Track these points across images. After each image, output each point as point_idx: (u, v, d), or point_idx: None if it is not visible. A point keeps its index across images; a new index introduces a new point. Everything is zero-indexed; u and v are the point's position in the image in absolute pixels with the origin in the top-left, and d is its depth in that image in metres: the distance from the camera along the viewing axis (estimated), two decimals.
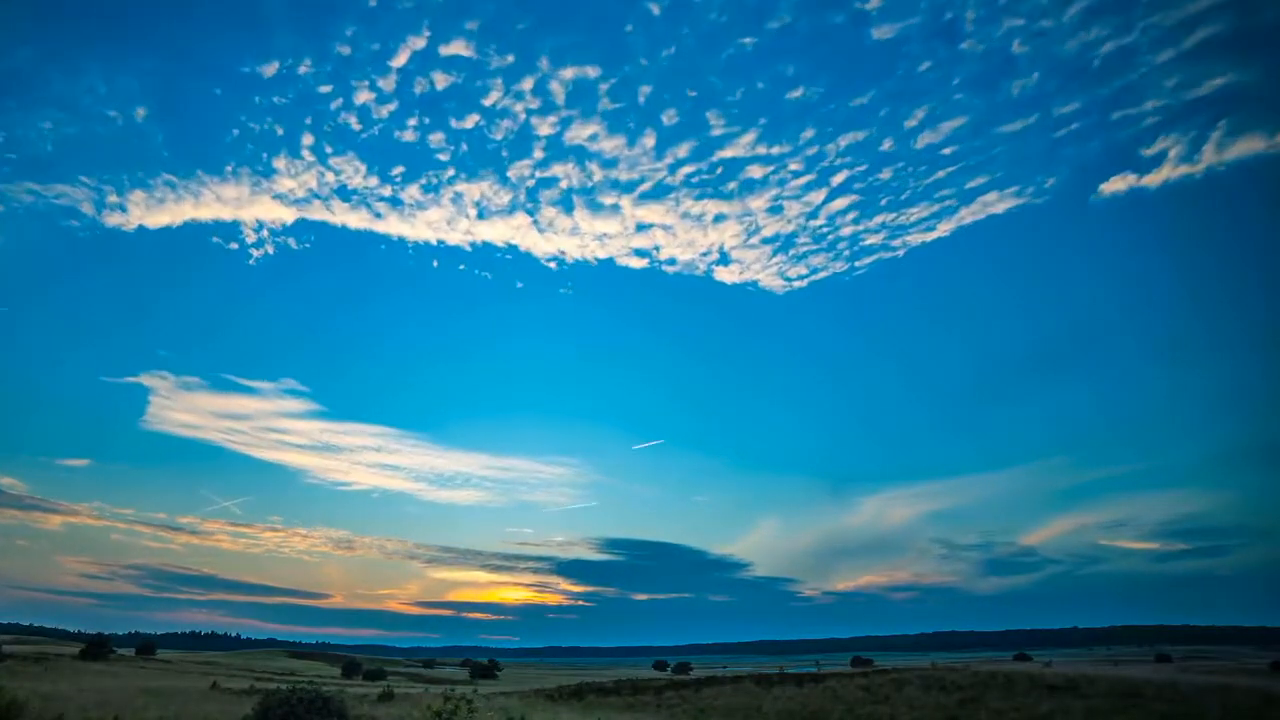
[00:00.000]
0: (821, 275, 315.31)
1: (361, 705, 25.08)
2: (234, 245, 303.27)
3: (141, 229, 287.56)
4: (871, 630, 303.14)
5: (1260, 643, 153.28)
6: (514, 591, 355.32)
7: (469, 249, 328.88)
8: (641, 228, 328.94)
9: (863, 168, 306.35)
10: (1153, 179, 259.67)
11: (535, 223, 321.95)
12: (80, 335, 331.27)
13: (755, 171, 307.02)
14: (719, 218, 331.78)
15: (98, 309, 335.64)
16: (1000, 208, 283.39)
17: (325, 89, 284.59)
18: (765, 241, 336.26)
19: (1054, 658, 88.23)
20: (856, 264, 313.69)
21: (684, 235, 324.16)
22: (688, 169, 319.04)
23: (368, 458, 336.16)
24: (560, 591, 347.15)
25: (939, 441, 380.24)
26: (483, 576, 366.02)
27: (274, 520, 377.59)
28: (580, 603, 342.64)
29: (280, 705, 16.96)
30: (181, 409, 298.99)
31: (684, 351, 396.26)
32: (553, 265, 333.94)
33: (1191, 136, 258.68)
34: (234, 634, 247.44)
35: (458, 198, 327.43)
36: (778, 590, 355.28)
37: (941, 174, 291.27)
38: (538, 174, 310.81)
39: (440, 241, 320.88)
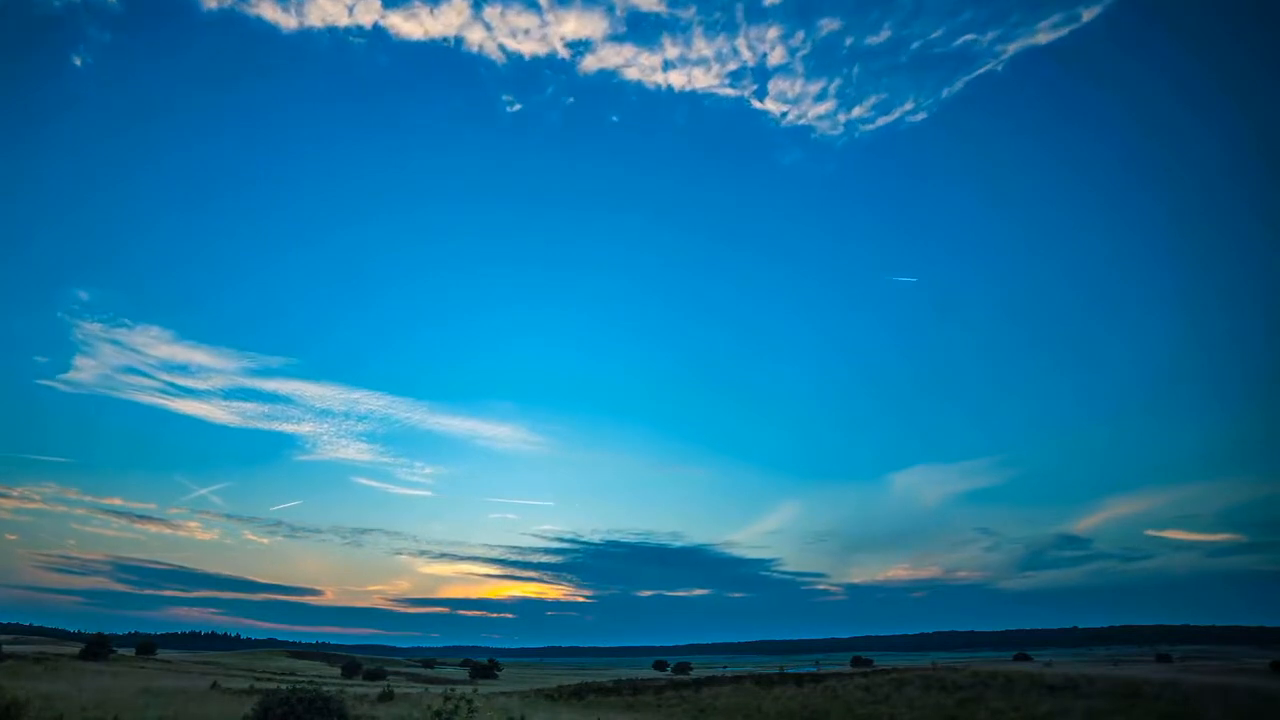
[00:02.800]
0: (895, 115, 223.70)
1: (361, 705, 25.08)
2: (45, 51, 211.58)
3: None
4: (899, 629, 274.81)
5: (1260, 643, 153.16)
6: (509, 587, 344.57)
7: (384, 54, 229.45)
8: (638, 21, 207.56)
9: None
10: None
11: (475, 6, 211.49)
12: None
13: None
14: (756, 13, 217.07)
15: None
16: None
17: None
18: (817, 51, 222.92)
19: (1053, 657, 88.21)
20: (945, 91, 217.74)
21: (704, 38, 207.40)
22: None
23: (336, 426, 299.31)
24: (561, 585, 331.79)
25: (999, 397, 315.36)
26: (475, 569, 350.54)
27: (252, 510, 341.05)
28: (578, 598, 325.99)
29: (280, 705, 16.95)
30: (105, 360, 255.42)
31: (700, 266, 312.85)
32: (511, 104, 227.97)
33: None
34: (233, 634, 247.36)
35: None
36: (791, 584, 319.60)
37: None
38: None
39: (338, 30, 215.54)
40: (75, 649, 59.91)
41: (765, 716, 28.56)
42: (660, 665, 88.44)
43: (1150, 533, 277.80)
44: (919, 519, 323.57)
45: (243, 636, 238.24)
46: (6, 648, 52.80)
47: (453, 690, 18.08)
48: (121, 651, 64.63)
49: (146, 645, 70.43)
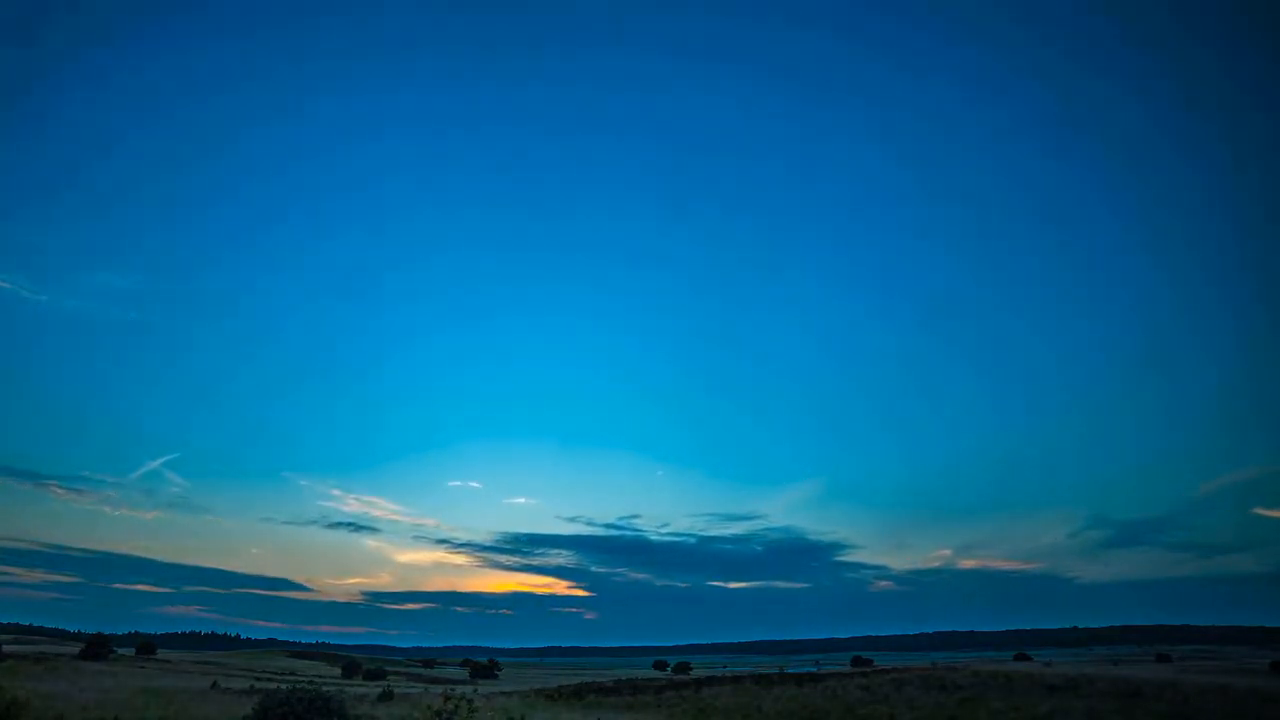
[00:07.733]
0: None
1: (361, 705, 25.08)
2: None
3: None
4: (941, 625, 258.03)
5: (1259, 643, 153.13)
6: (507, 584, 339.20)
7: None
8: None
9: None
10: None
11: None
12: None
13: None
14: None
15: None
16: None
17: None
18: None
19: (1054, 658, 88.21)
20: None
21: None
22: None
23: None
24: (566, 578, 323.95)
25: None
26: (462, 560, 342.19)
27: (213, 483, 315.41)
28: (578, 592, 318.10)
29: (280, 705, 16.93)
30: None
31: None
32: None
33: None
34: (234, 633, 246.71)
35: None
36: (843, 570, 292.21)
37: None
38: None
39: None
40: (75, 649, 59.93)
41: (765, 716, 28.53)
42: (660, 665, 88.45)
43: (1259, 511, 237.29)
44: (986, 495, 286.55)
45: (242, 636, 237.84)
46: (7, 647, 52.80)
47: (452, 690, 18.09)
48: (121, 651, 64.67)
49: (146, 645, 70.51)
